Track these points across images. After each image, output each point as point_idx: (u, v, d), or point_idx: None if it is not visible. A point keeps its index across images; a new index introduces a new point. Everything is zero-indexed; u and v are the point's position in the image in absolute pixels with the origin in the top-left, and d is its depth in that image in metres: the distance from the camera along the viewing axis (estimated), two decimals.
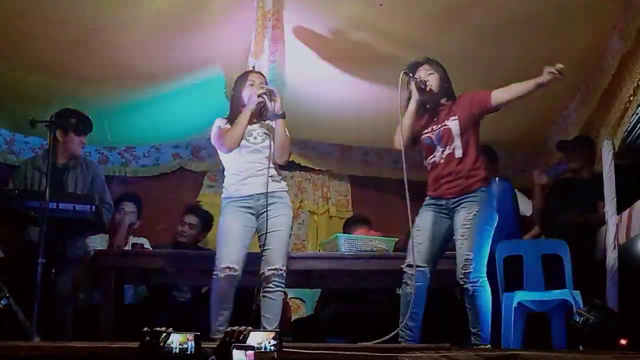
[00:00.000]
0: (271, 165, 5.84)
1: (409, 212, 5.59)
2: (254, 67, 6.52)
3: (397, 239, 6.74)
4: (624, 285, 5.84)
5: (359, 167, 8.87)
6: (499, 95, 5.60)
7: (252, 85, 5.93)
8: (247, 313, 5.68)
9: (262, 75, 6.08)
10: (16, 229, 6.31)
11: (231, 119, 5.91)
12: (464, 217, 5.49)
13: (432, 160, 5.70)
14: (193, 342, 3.78)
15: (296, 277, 6.52)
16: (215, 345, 3.89)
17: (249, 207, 5.77)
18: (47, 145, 6.07)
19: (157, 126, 8.12)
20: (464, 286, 5.43)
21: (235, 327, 3.90)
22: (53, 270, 5.92)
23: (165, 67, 6.90)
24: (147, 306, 7.17)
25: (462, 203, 5.54)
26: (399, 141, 5.73)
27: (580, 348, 5.41)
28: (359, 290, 6.63)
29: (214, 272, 5.66)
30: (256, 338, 3.89)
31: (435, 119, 5.74)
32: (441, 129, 5.67)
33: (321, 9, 6.29)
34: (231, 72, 6.53)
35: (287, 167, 8.78)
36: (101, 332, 6.03)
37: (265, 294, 5.68)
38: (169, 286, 7.13)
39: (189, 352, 3.79)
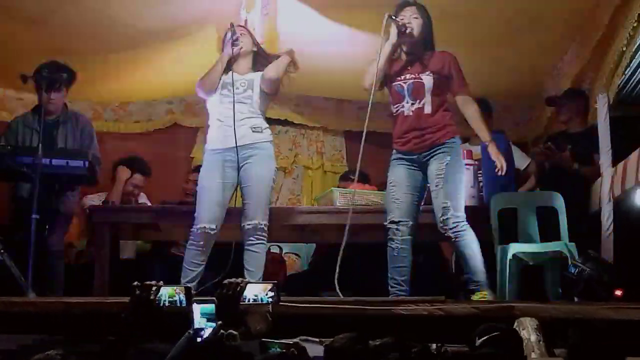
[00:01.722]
0: (255, 114, 5.81)
1: (359, 157, 5.72)
2: (245, 20, 6.48)
3: None
4: (619, 237, 5.84)
5: (354, 121, 8.84)
6: (461, 104, 5.71)
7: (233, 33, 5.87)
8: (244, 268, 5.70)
9: (246, 29, 6.05)
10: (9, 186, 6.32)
11: None
12: (436, 168, 5.56)
13: (400, 110, 5.69)
14: (183, 295, 3.78)
15: (291, 232, 6.53)
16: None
17: (229, 160, 5.71)
18: (37, 102, 6.06)
19: (151, 82, 8.07)
20: (446, 235, 5.51)
21: (232, 279, 3.89)
22: (47, 226, 5.91)
23: (158, 22, 6.84)
24: (145, 262, 7.16)
25: (434, 155, 5.59)
26: (369, 81, 5.69)
27: (575, 300, 5.43)
28: (354, 244, 6.62)
29: (192, 229, 5.66)
30: (253, 290, 3.88)
31: (409, 68, 5.71)
32: (414, 81, 5.66)
33: None
34: (224, 27, 6.47)
35: (281, 122, 8.77)
36: (95, 288, 6.03)
37: (246, 248, 5.67)
38: (168, 242, 7.12)
39: (179, 305, 3.79)
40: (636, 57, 6.71)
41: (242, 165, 5.72)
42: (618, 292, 5.33)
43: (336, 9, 6.78)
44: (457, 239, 5.50)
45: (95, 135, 6.62)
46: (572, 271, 5.45)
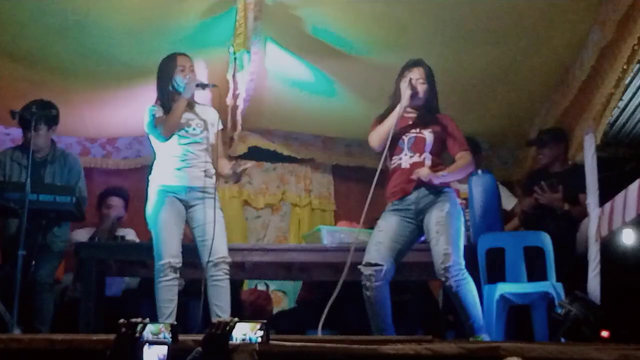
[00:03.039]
0: (208, 159, 5.87)
1: (366, 204, 5.61)
2: (235, 60, 6.52)
3: None
4: (605, 278, 5.85)
5: (342, 157, 8.85)
6: (457, 157, 5.73)
7: (183, 71, 5.84)
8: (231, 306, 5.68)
9: (189, 57, 5.96)
10: None
11: (164, 105, 5.85)
12: (436, 215, 5.51)
13: (398, 162, 5.70)
14: (168, 333, 3.76)
15: (278, 270, 6.52)
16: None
17: (181, 200, 5.74)
18: (26, 138, 6.07)
19: (140, 118, 8.08)
20: (446, 283, 5.44)
21: (222, 319, 3.89)
22: (33, 262, 5.89)
23: (146, 58, 6.85)
24: (132, 299, 7.13)
25: (433, 204, 5.56)
26: (377, 141, 5.74)
27: (562, 340, 5.43)
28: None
29: (156, 266, 5.65)
30: (242, 330, 3.87)
31: (411, 123, 5.74)
32: (416, 135, 5.69)
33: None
34: (213, 63, 6.50)
35: (269, 158, 8.79)
36: (80, 324, 5.99)
37: (214, 282, 5.66)
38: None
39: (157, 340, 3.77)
40: (623, 98, 6.76)
41: (193, 206, 5.77)
42: (604, 333, 5.34)
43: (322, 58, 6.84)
44: (458, 288, 5.42)
45: (83, 171, 6.63)
46: (559, 311, 5.47)
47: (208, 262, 5.66)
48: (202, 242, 5.72)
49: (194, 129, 5.84)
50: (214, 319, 5.35)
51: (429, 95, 5.74)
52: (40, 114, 6.14)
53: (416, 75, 5.71)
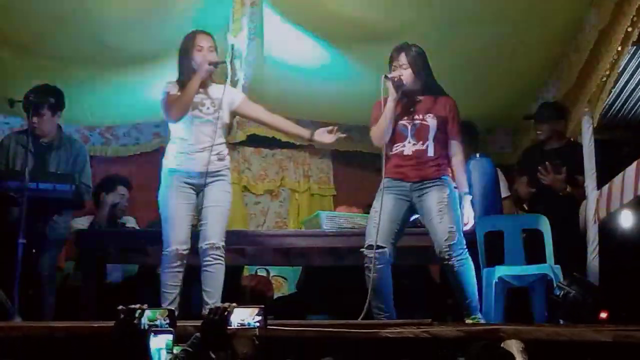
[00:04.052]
0: (220, 140, 5.79)
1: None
2: (232, 47, 6.51)
3: None
4: (604, 260, 5.86)
5: (341, 142, 8.84)
6: (452, 149, 5.71)
7: (200, 50, 5.75)
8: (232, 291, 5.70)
9: (211, 36, 5.86)
10: None
11: (181, 83, 5.77)
12: (438, 197, 5.53)
13: (401, 149, 5.67)
14: (165, 319, 3.77)
15: (277, 255, 6.53)
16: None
17: (192, 184, 5.69)
18: (27, 125, 6.06)
19: (138, 105, 8.08)
20: (449, 262, 5.45)
21: (220, 304, 3.91)
22: (34, 250, 5.90)
23: (146, 45, 6.86)
24: (133, 285, 7.13)
25: (432, 187, 5.57)
26: (378, 139, 5.74)
27: (561, 322, 5.45)
28: (340, 267, 6.63)
29: (163, 252, 5.63)
30: (240, 315, 3.88)
31: (412, 110, 5.70)
32: (419, 123, 5.66)
33: None
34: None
35: (268, 144, 8.78)
36: (81, 312, 6.01)
37: (203, 268, 5.62)
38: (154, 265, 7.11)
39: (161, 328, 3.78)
40: (619, 81, 6.76)
41: (202, 190, 5.71)
42: (603, 314, 5.36)
43: (327, 37, 6.84)
44: (460, 267, 5.46)
45: (89, 159, 6.63)
46: (558, 293, 5.48)
47: (199, 247, 5.64)
48: (201, 225, 5.69)
49: (207, 109, 5.74)
50: (204, 305, 5.43)
51: (421, 77, 5.70)
52: (44, 99, 6.15)
53: (400, 62, 5.67)
